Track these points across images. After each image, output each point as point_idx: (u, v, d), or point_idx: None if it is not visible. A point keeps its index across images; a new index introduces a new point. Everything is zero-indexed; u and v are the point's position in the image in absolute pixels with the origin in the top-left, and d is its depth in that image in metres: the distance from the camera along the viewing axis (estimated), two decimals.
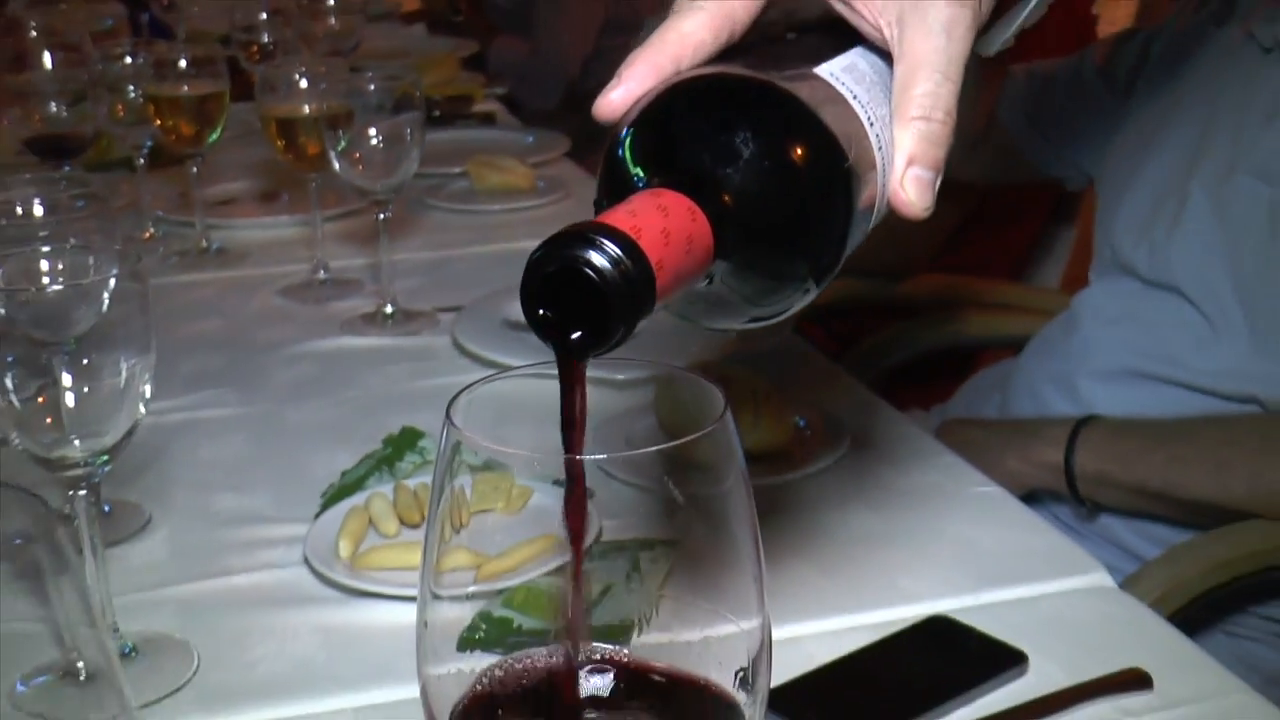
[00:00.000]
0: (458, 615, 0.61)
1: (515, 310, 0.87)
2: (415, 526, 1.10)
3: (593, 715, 0.61)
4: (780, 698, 0.89)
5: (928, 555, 1.08)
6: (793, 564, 1.06)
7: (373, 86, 1.53)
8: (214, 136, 1.78)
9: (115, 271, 0.89)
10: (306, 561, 1.05)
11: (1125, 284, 1.49)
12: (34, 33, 1.81)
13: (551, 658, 0.61)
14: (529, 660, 0.61)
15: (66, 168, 1.72)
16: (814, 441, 1.22)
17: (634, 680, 0.60)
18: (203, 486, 1.20)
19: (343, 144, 1.52)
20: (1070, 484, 1.37)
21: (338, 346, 1.53)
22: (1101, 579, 1.03)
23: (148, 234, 1.89)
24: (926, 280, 2.04)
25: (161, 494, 1.18)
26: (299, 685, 0.92)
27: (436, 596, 0.58)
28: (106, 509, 1.15)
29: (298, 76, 1.64)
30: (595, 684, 0.60)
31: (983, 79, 1.69)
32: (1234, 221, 1.37)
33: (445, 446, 0.56)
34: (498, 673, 0.60)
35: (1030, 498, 1.40)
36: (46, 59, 1.75)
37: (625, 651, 0.61)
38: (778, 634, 0.96)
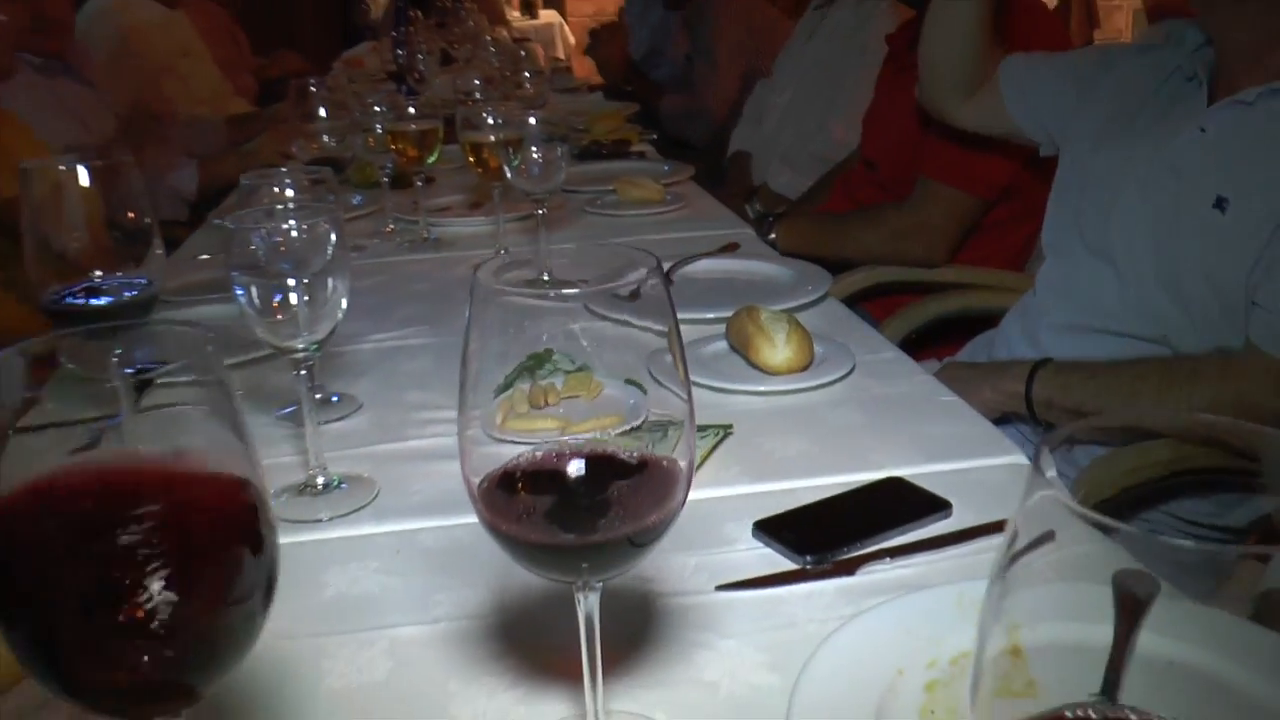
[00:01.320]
0: None
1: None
2: (539, 408, 1.19)
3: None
4: (767, 525, 0.95)
5: (893, 439, 1.11)
6: (798, 442, 1.12)
7: (533, 121, 1.64)
8: (431, 159, 1.93)
9: (333, 232, 1.00)
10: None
11: (1070, 257, 1.50)
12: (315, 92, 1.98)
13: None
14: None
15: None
16: (828, 364, 1.27)
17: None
18: (400, 387, 1.31)
19: (515, 161, 1.64)
20: (1029, 408, 1.39)
21: None
22: (1018, 459, 1.06)
23: (389, 228, 2.04)
24: (946, 269, 2.05)
25: (372, 391, 1.30)
26: (445, 508, 1.01)
27: None
28: (335, 398, 1.28)
29: (485, 115, 1.76)
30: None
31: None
32: (1154, 204, 1.37)
33: None
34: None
35: (1004, 422, 1.43)
36: (322, 111, 1.94)
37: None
38: (780, 487, 1.03)
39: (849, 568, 0.88)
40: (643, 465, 0.66)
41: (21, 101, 2.78)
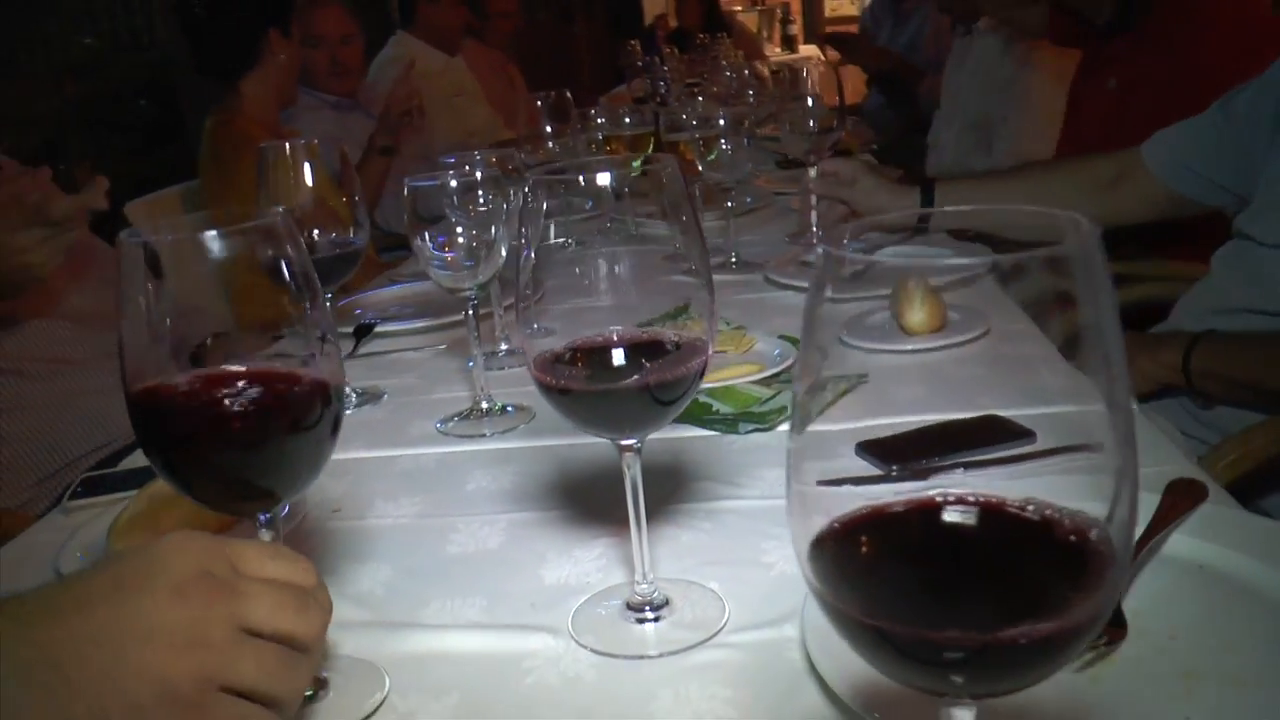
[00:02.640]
0: None
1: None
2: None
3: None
4: (868, 444, 1.02)
5: (1002, 389, 1.14)
6: (919, 389, 1.17)
7: (722, 121, 1.77)
8: (636, 164, 2.09)
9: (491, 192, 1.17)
10: None
11: (1245, 246, 1.44)
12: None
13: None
14: None
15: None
16: (960, 327, 1.31)
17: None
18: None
19: (710, 156, 1.78)
20: (1187, 377, 1.35)
21: None
22: None
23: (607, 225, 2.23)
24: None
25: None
26: None
27: None
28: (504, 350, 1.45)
29: (685, 116, 1.91)
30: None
31: None
32: None
33: None
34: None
35: (1162, 394, 1.39)
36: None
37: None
38: (893, 421, 1.09)
39: (923, 475, 0.94)
40: (677, 346, 0.75)
41: (318, 130, 3.23)
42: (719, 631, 0.77)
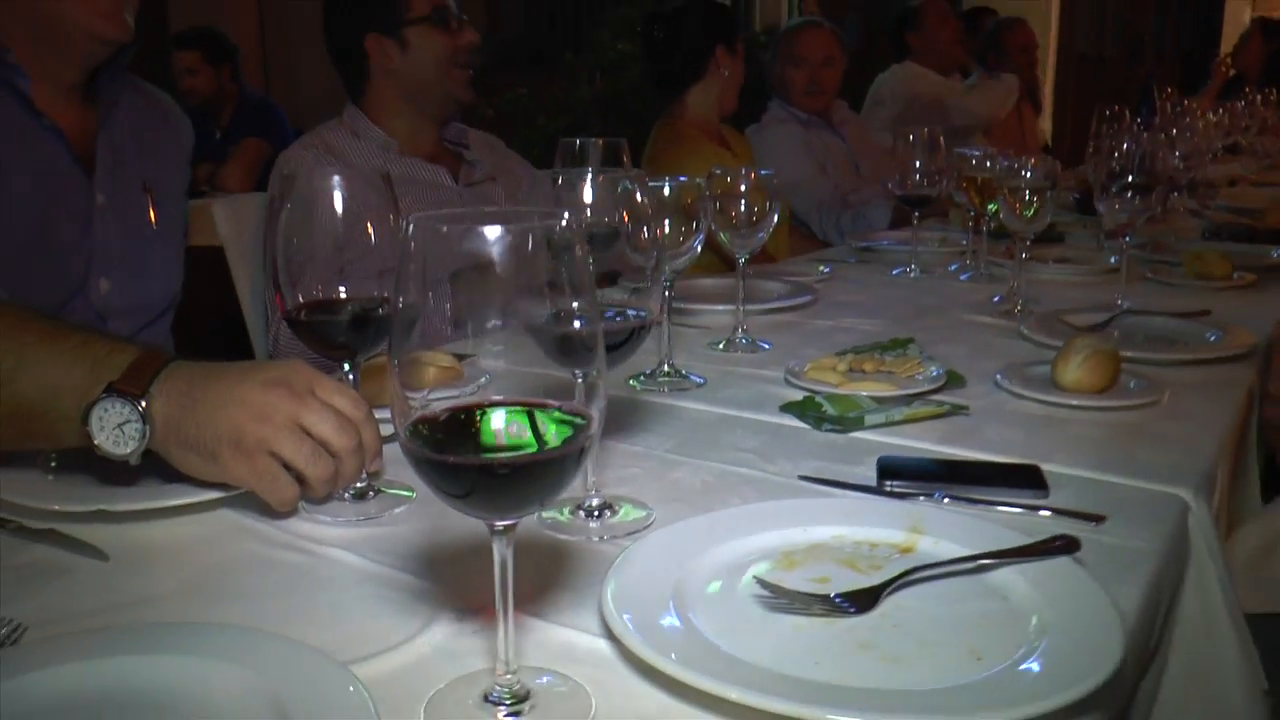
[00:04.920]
0: None
1: None
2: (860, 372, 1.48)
3: None
4: (890, 460, 1.16)
5: (1088, 454, 1.20)
6: (1009, 433, 1.26)
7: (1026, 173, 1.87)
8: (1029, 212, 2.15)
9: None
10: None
11: None
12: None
13: None
14: None
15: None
16: (1124, 393, 1.35)
17: None
18: (799, 342, 1.69)
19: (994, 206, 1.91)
20: None
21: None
22: (1177, 490, 1.09)
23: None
24: None
25: (778, 338, 1.70)
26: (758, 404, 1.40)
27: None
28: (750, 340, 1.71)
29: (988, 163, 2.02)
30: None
31: None
32: None
33: None
34: None
35: None
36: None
37: None
38: (957, 453, 1.21)
39: (903, 496, 1.08)
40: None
41: (781, 141, 3.64)
42: None
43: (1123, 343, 1.53)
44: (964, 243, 2.50)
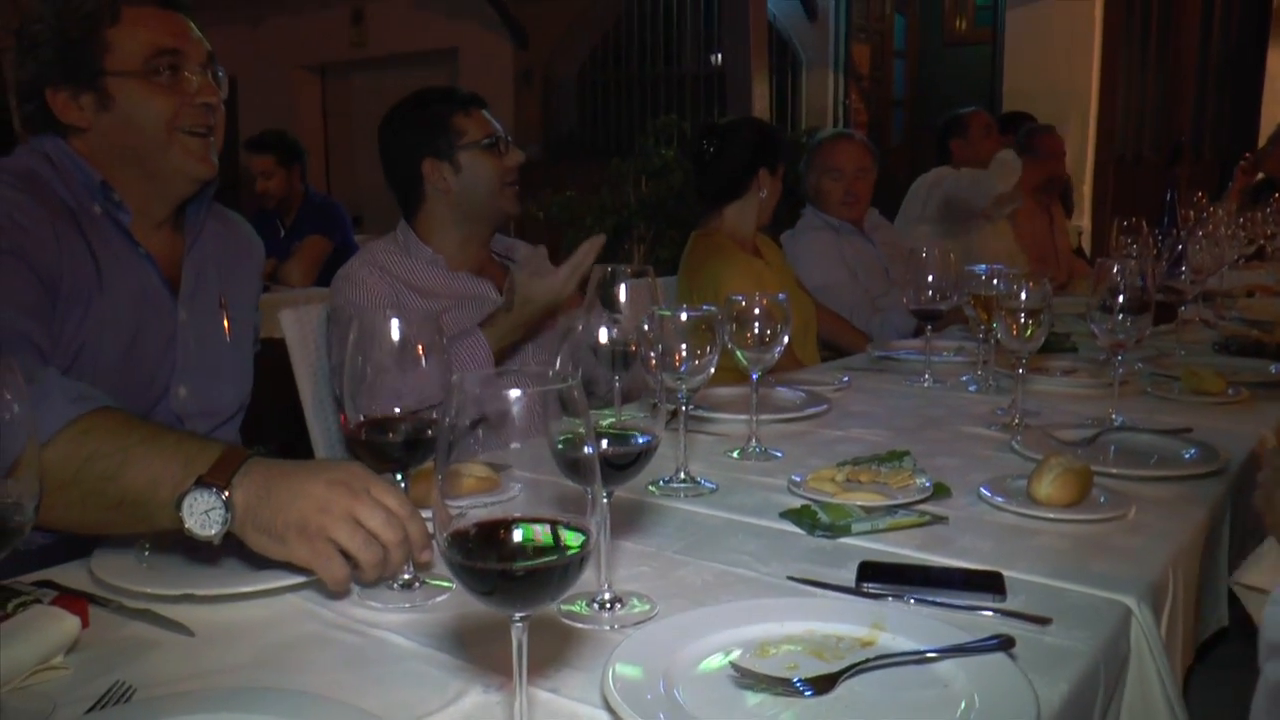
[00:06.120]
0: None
1: None
2: (857, 483, 1.65)
3: None
4: (870, 564, 1.32)
5: (1061, 562, 1.36)
6: (982, 544, 1.42)
7: (1024, 295, 2.04)
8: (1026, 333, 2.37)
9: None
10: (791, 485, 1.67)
11: None
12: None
13: None
14: None
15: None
16: (1094, 507, 1.50)
17: None
18: (810, 448, 1.86)
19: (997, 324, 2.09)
20: None
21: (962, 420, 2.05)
22: (1123, 598, 1.23)
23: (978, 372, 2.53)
24: None
25: (789, 447, 1.88)
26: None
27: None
28: (760, 449, 1.89)
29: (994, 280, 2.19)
30: None
31: None
32: None
33: None
34: None
35: None
36: None
37: None
38: (930, 559, 1.37)
39: (876, 596, 1.24)
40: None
41: (815, 247, 3.84)
42: None
43: (1100, 458, 1.69)
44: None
